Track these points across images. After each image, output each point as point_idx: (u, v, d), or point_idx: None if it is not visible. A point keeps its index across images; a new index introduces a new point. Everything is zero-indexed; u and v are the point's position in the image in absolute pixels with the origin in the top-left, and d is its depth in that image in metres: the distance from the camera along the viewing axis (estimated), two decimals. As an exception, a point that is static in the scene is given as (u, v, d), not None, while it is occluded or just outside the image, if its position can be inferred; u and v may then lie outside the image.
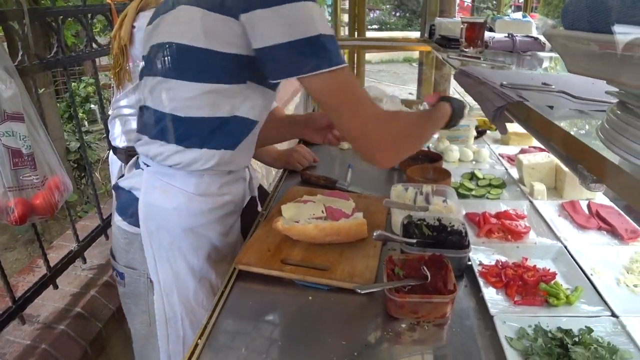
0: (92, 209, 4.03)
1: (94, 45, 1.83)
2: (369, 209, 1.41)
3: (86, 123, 6.85)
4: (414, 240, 1.20)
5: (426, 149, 2.01)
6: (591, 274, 1.16)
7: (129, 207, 1.22)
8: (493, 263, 1.22)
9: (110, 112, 1.93)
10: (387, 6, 19.12)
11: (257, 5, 0.93)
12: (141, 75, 1.20)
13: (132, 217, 1.21)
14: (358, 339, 0.98)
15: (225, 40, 1.00)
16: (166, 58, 1.08)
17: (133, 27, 1.69)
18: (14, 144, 1.30)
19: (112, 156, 2.01)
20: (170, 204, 1.16)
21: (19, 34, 1.43)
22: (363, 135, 1.05)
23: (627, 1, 0.50)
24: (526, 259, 1.24)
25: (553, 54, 1.80)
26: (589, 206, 1.51)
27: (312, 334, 1.01)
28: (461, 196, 1.63)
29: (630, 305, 1.06)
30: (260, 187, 1.56)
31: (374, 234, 1.23)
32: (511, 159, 1.97)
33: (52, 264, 1.67)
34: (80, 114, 6.57)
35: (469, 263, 1.21)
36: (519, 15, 2.39)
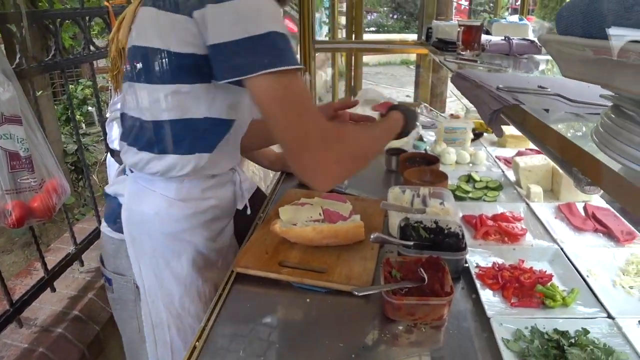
0: (89, 211, 4.02)
1: (92, 48, 1.83)
2: (366, 212, 1.41)
3: (84, 125, 6.83)
4: (411, 243, 1.20)
5: (423, 151, 2.01)
6: (587, 276, 1.16)
7: (113, 213, 1.20)
8: (490, 265, 1.23)
9: (107, 115, 1.93)
10: (385, 9, 19.16)
11: (208, 0, 0.89)
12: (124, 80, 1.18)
13: (116, 223, 1.19)
14: (355, 341, 0.99)
15: (181, 39, 0.96)
16: (132, 61, 1.06)
17: (131, 29, 1.69)
18: (12, 147, 1.30)
19: (109, 159, 2.00)
20: (151, 210, 1.13)
21: (17, 37, 1.43)
22: (302, 150, 0.94)
23: (621, 7, 0.51)
24: (523, 261, 1.25)
25: (549, 57, 1.81)
26: (585, 208, 1.52)
27: (309, 336, 1.01)
28: (458, 198, 1.63)
29: (626, 306, 1.07)
30: (258, 190, 1.56)
31: (371, 236, 1.23)
32: (508, 162, 1.98)
33: (49, 267, 1.66)
34: (78, 117, 6.56)
35: (466, 265, 1.21)
36: (515, 18, 2.40)
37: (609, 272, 1.20)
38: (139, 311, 1.25)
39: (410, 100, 6.72)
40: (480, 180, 1.77)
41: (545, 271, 1.20)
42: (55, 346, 1.50)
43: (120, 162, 1.89)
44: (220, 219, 1.26)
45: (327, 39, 5.76)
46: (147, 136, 1.09)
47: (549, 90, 1.00)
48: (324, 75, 6.96)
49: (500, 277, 1.16)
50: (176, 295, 1.19)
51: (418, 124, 1.45)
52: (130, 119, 1.12)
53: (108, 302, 1.73)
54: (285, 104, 0.92)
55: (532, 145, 2.07)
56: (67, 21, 1.89)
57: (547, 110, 0.87)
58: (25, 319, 1.57)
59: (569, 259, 1.24)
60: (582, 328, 0.98)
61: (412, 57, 9.94)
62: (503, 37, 1.85)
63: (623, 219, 1.44)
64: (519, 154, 1.98)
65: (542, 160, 1.72)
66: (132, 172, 1.19)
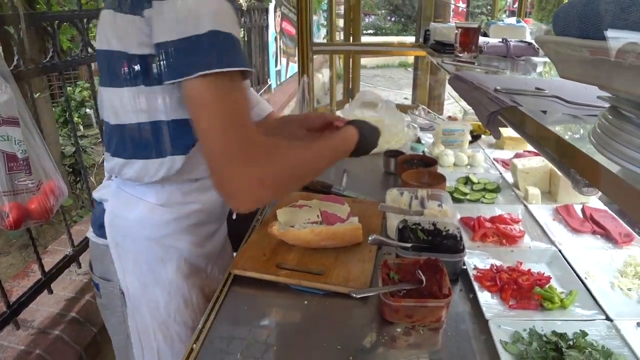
0: (87, 213, 4.02)
1: (90, 50, 1.83)
2: (364, 214, 1.41)
3: (81, 127, 6.81)
4: (409, 245, 1.20)
5: (421, 153, 2.02)
6: (585, 278, 1.16)
7: (98, 218, 1.17)
8: (488, 267, 1.23)
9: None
10: (382, 11, 19.19)
11: None
12: None
13: (101, 228, 1.16)
14: (353, 343, 0.98)
15: (136, 40, 0.92)
16: (99, 66, 1.04)
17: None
18: (9, 149, 1.29)
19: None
20: (133, 215, 1.10)
21: (15, 39, 1.43)
22: (222, 165, 0.86)
23: (618, 7, 0.51)
24: (521, 263, 1.25)
25: (547, 59, 1.81)
26: (583, 210, 1.52)
27: (307, 338, 1.01)
28: (456, 200, 1.63)
29: (624, 308, 1.07)
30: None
31: (369, 238, 1.23)
32: (506, 163, 1.98)
33: (46, 269, 1.66)
34: (76, 119, 6.54)
35: (464, 267, 1.21)
36: (513, 20, 2.41)
37: (607, 274, 1.20)
38: (126, 317, 1.22)
39: (409, 102, 6.73)
40: (478, 182, 1.77)
41: (544, 273, 1.20)
42: (52, 348, 1.50)
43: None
44: (207, 223, 1.21)
45: (325, 41, 5.77)
46: (115, 141, 1.06)
47: (546, 92, 1.00)
48: (321, 77, 6.98)
49: (499, 279, 1.16)
50: (161, 302, 1.16)
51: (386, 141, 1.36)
52: (104, 124, 1.10)
53: (105, 305, 1.73)
54: (212, 111, 0.85)
55: (530, 147, 2.08)
56: (65, 23, 1.89)
57: (544, 112, 0.87)
58: (22, 321, 1.57)
59: (567, 260, 1.24)
60: (580, 330, 0.98)
61: (410, 59, 9.96)
62: (500, 39, 1.86)
63: (621, 221, 1.44)
64: (517, 155, 1.98)
65: (539, 162, 1.72)
66: (116, 177, 1.16)
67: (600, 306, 1.06)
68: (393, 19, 18.94)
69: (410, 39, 6.99)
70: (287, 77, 7.94)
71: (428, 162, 1.83)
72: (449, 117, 2.82)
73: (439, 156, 2.00)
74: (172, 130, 1.02)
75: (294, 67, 8.06)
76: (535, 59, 1.81)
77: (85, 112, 6.85)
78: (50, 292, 1.69)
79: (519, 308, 1.09)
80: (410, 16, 17.38)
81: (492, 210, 1.54)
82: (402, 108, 2.62)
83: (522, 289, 1.13)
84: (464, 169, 1.96)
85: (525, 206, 1.57)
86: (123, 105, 1.00)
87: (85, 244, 1.88)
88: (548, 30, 2.06)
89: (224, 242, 1.33)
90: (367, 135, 1.24)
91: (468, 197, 1.67)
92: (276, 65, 7.14)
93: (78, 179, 5.00)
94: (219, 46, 0.84)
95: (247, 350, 0.96)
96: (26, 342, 1.49)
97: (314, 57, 2.88)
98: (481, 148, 2.21)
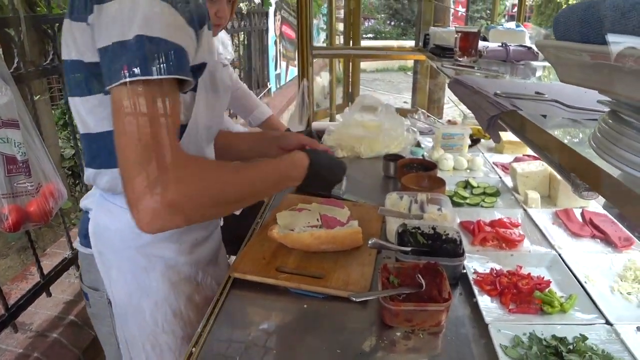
0: (86, 216, 3.99)
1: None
2: (364, 217, 1.41)
3: (81, 130, 6.82)
4: (409, 249, 1.20)
5: (421, 157, 2.02)
6: (585, 282, 1.16)
7: (84, 227, 1.16)
8: (488, 271, 1.23)
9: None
10: (382, 15, 19.22)
11: (96, 1, 0.82)
12: None
13: (86, 238, 1.16)
14: (353, 347, 0.98)
15: (88, 49, 0.88)
16: (65, 76, 1.01)
17: None
18: (9, 151, 1.29)
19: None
20: (115, 224, 1.08)
21: (15, 41, 1.43)
22: (129, 179, 0.79)
23: (618, 13, 0.51)
24: (520, 267, 1.25)
25: (546, 64, 1.82)
26: (582, 214, 1.52)
27: (306, 342, 1.01)
28: (455, 204, 1.63)
29: (624, 312, 1.07)
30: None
31: (369, 242, 1.23)
32: (505, 168, 1.98)
33: (45, 272, 1.66)
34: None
35: (464, 271, 1.21)
36: (512, 24, 2.41)
37: (607, 278, 1.20)
38: (115, 327, 1.22)
39: (408, 106, 6.74)
40: (478, 186, 1.77)
41: (543, 277, 1.20)
42: (51, 351, 1.49)
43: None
44: (193, 230, 1.17)
45: (324, 45, 5.78)
46: (86, 151, 1.04)
47: (546, 96, 1.00)
48: (321, 81, 6.99)
49: (498, 283, 1.16)
50: (147, 312, 1.13)
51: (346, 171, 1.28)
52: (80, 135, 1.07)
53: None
54: (128, 120, 0.78)
55: (529, 151, 2.08)
56: (65, 26, 1.89)
57: (544, 116, 0.88)
58: (21, 323, 1.56)
59: (566, 265, 1.24)
60: (580, 334, 0.98)
61: (410, 63, 9.98)
62: (500, 44, 1.86)
63: (620, 225, 1.44)
64: (517, 160, 1.98)
65: (539, 166, 1.72)
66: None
67: (600, 310, 1.06)
68: (393, 23, 18.98)
69: (410, 43, 7.01)
70: (287, 80, 7.94)
71: (428, 166, 1.83)
72: (449, 121, 2.82)
73: (439, 160, 2.00)
74: None
75: (293, 71, 8.07)
76: (534, 63, 1.82)
77: (85, 114, 6.84)
78: (49, 295, 1.68)
79: (519, 312, 1.09)
80: (409, 20, 17.42)
81: (491, 214, 1.54)
82: (402, 112, 2.62)
83: (522, 293, 1.13)
84: (463, 173, 1.96)
85: (525, 210, 1.57)
86: (87, 114, 0.98)
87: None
88: (547, 34, 2.07)
89: (217, 249, 1.29)
90: (323, 165, 1.19)
91: (468, 201, 1.67)
92: (276, 69, 7.15)
93: (77, 181, 5.00)
94: (146, 52, 0.77)
95: (247, 353, 0.96)
96: (24, 345, 1.49)
97: (314, 60, 2.88)
98: (481, 152, 2.21)
